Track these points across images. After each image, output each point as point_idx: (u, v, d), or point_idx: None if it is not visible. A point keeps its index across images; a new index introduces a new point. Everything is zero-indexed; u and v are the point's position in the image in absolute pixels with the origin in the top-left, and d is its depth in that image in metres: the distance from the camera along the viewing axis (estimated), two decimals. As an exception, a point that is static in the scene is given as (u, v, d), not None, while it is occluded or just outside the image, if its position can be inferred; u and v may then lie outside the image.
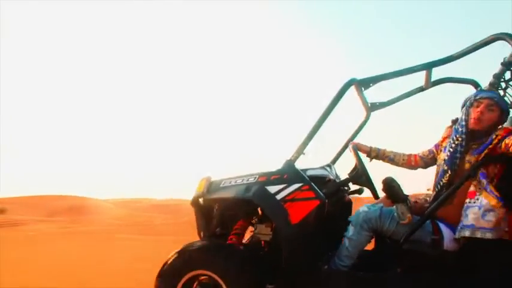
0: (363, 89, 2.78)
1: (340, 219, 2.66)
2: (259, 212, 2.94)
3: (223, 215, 2.92)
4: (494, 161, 2.26)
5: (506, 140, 2.14)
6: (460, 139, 2.38)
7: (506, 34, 2.34)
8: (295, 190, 2.47)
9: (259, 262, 2.62)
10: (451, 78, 3.05)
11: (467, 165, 2.34)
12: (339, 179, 2.97)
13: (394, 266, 2.39)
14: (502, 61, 2.58)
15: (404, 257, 2.37)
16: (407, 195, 2.42)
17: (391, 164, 2.84)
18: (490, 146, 2.24)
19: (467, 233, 2.15)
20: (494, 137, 2.24)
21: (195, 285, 2.60)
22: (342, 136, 3.38)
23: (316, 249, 2.48)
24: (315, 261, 2.45)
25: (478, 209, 2.15)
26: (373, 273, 2.41)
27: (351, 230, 2.45)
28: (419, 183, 2.79)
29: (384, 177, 2.38)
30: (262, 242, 2.85)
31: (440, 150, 2.58)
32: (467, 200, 2.21)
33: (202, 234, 2.94)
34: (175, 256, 2.58)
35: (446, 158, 2.42)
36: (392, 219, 2.37)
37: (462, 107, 2.48)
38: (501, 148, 2.18)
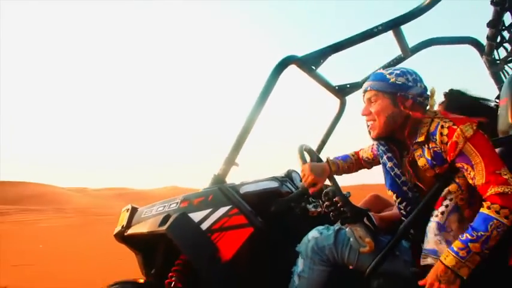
0: (313, 67, 2.07)
1: (291, 251, 1.96)
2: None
3: (163, 249, 2.31)
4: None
5: (467, 174, 1.42)
6: (382, 154, 1.72)
7: None
8: (223, 216, 1.85)
9: None
10: (439, 38, 2.31)
11: (429, 174, 1.57)
12: (297, 191, 2.26)
13: None
14: (492, 0, 1.81)
15: None
16: (366, 210, 1.68)
17: (347, 173, 2.02)
18: (439, 168, 1.51)
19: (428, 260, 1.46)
20: (443, 148, 1.48)
21: None
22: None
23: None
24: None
25: (438, 229, 1.47)
26: None
27: (300, 263, 1.74)
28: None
29: (326, 190, 1.67)
30: None
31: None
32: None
33: (144, 271, 2.34)
34: None
35: (387, 183, 1.69)
36: (352, 247, 1.65)
37: None
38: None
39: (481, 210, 1.35)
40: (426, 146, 1.54)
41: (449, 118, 1.51)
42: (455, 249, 1.36)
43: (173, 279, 2.19)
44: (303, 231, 1.85)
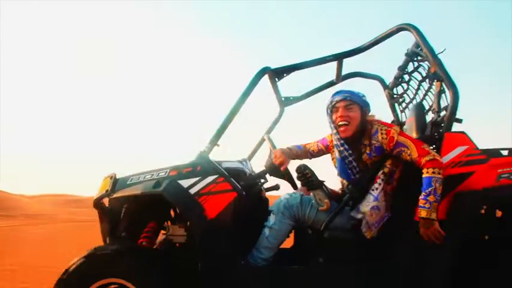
0: (276, 79, 2.73)
1: (257, 214, 2.54)
2: (172, 212, 2.73)
3: (132, 216, 2.65)
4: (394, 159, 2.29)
5: (405, 154, 2.19)
6: (342, 149, 2.36)
7: (410, 24, 2.43)
8: (211, 183, 2.31)
9: (174, 266, 2.39)
10: (360, 72, 3.15)
11: (368, 163, 2.33)
12: (255, 173, 2.87)
13: (316, 257, 2.31)
14: (406, 52, 2.69)
15: (326, 246, 2.30)
16: (323, 181, 2.37)
17: (302, 159, 2.71)
18: (387, 152, 2.26)
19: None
20: (384, 144, 2.25)
21: None
22: (257, 132, 3.32)
23: (234, 244, 2.33)
24: (233, 257, 2.30)
25: (373, 198, 2.23)
26: (294, 266, 2.32)
27: (272, 219, 2.35)
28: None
29: (299, 165, 2.32)
30: (177, 245, 2.64)
31: (333, 158, 2.55)
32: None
33: (107, 239, 2.63)
34: (79, 263, 2.24)
35: (340, 170, 2.41)
36: (312, 206, 2.32)
37: (327, 117, 2.45)
38: (401, 157, 2.23)
39: (423, 175, 2.09)
40: (368, 144, 2.29)
41: (383, 124, 2.30)
42: (421, 205, 2.07)
43: (145, 239, 2.58)
44: (257, 202, 2.46)
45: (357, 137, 2.32)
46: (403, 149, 2.19)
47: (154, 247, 2.66)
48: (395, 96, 3.15)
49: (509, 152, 2.20)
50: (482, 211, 2.33)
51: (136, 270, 2.23)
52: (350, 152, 2.34)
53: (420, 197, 2.08)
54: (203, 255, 2.27)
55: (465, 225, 2.13)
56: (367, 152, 2.30)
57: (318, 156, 2.69)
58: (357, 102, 2.32)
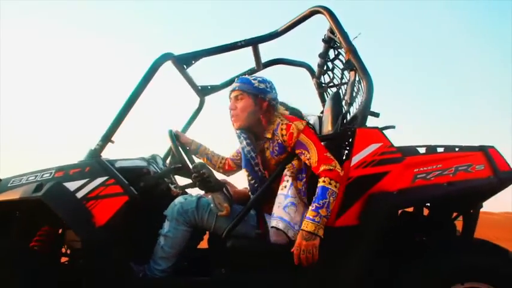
0: (184, 66, 2.44)
1: (157, 220, 2.27)
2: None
3: (23, 220, 2.36)
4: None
5: (304, 158, 1.96)
6: (240, 141, 2.16)
7: (323, 7, 2.19)
8: (99, 185, 2.04)
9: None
10: (283, 59, 2.91)
11: (273, 162, 2.11)
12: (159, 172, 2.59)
13: (218, 267, 2.07)
14: (323, 37, 2.46)
15: (228, 256, 2.05)
16: (224, 183, 2.12)
17: (209, 163, 2.44)
18: (284, 154, 2.05)
19: (279, 225, 1.92)
20: (282, 141, 2.03)
21: None
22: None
23: (126, 255, 2.07)
24: (128, 270, 2.04)
25: (284, 198, 1.96)
26: (193, 276, 2.09)
27: (166, 225, 2.08)
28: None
29: (195, 163, 2.06)
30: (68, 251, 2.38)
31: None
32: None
33: None
34: None
35: (245, 166, 2.17)
36: (211, 211, 2.06)
37: None
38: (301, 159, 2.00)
39: (319, 184, 1.85)
40: (271, 140, 2.06)
41: (286, 118, 2.06)
42: (311, 217, 1.82)
43: (38, 243, 2.29)
44: (167, 204, 2.19)
45: (257, 129, 2.11)
46: (303, 151, 1.95)
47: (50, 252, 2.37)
48: (323, 85, 2.92)
49: (427, 150, 2.02)
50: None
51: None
52: (251, 146, 2.10)
53: (311, 208, 1.84)
54: (89, 267, 2.01)
55: (379, 230, 1.93)
56: (270, 149, 2.07)
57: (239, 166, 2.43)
58: (245, 90, 2.08)
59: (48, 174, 2.10)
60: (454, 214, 2.30)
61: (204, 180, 1.99)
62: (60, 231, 2.43)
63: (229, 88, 2.17)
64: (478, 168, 1.98)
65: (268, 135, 2.07)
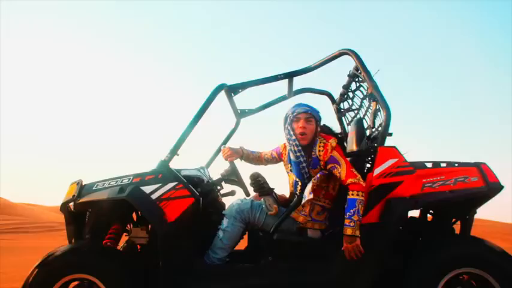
0: (232, 94, 2.98)
1: (214, 217, 2.77)
2: (134, 216, 2.93)
3: (96, 220, 2.83)
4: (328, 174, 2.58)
5: (336, 171, 2.49)
6: (299, 155, 2.61)
7: (350, 50, 2.75)
8: (170, 189, 2.54)
9: (137, 266, 2.61)
10: (310, 88, 3.45)
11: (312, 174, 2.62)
12: (212, 181, 3.11)
13: (266, 256, 2.57)
14: (348, 73, 3.01)
15: (275, 246, 2.56)
16: (273, 189, 2.64)
17: (252, 163, 3.00)
18: (321, 165, 2.57)
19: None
20: (319, 157, 2.56)
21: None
22: (215, 141, 3.55)
23: (192, 246, 2.56)
24: (191, 257, 2.53)
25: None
26: (246, 264, 2.58)
27: (225, 222, 2.60)
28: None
29: (252, 173, 2.59)
30: (138, 246, 2.84)
31: (287, 162, 2.76)
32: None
33: (73, 240, 2.80)
34: (49, 258, 2.44)
35: (296, 173, 2.66)
36: (261, 211, 2.58)
37: (284, 125, 2.70)
38: (332, 172, 2.52)
39: (348, 196, 2.39)
40: (313, 155, 2.59)
41: (322, 136, 2.62)
42: (347, 223, 2.36)
43: (109, 240, 2.77)
44: (218, 207, 2.71)
45: (309, 147, 2.62)
46: (335, 165, 2.49)
47: (118, 248, 2.85)
48: (342, 110, 3.46)
49: (433, 165, 2.56)
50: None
51: (104, 266, 2.46)
52: (304, 158, 2.60)
53: (346, 216, 2.37)
54: (164, 255, 2.48)
55: (395, 226, 2.45)
56: (311, 163, 2.61)
57: (272, 163, 2.97)
58: (314, 116, 2.63)
59: (127, 180, 2.59)
60: (453, 220, 2.83)
61: (259, 185, 2.53)
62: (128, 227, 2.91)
63: (298, 109, 2.64)
64: (473, 180, 2.52)
65: (312, 153, 2.60)
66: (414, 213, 2.99)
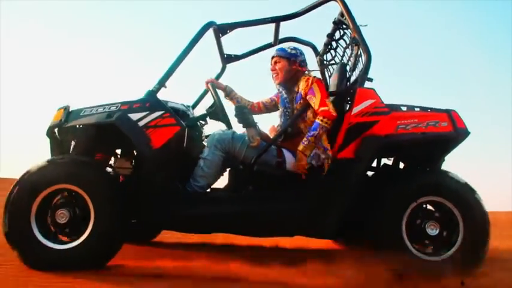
0: (220, 35, 3.06)
1: (197, 154, 2.85)
2: (119, 147, 3.00)
3: (81, 147, 2.89)
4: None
5: (311, 101, 2.67)
6: (280, 90, 2.91)
7: None
8: (157, 117, 2.62)
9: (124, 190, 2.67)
10: (295, 38, 3.53)
11: (297, 109, 2.80)
12: (196, 116, 3.20)
13: (246, 186, 2.71)
14: (334, 20, 3.12)
15: (254, 178, 2.70)
16: (257, 122, 2.76)
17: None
18: (302, 101, 2.75)
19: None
20: (301, 91, 2.74)
21: (55, 200, 2.55)
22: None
23: (175, 172, 2.66)
24: (174, 183, 2.64)
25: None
26: (227, 192, 2.71)
27: (206, 151, 2.71)
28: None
29: (236, 105, 2.71)
30: (121, 177, 2.92)
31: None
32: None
33: None
34: (38, 167, 2.51)
35: (281, 105, 2.90)
36: (243, 142, 2.69)
37: None
38: (309, 102, 2.71)
39: (315, 120, 2.59)
40: (296, 91, 2.76)
41: (309, 75, 2.77)
42: (303, 142, 2.58)
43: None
44: (200, 140, 2.82)
45: (290, 84, 2.83)
46: (312, 96, 2.67)
47: None
48: (325, 62, 3.57)
49: (407, 109, 2.71)
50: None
51: (92, 178, 2.53)
52: (286, 95, 2.84)
53: (305, 135, 2.60)
54: (147, 180, 2.58)
55: (369, 162, 2.64)
56: (294, 100, 2.78)
57: (272, 109, 3.15)
58: (282, 56, 2.84)
59: (115, 107, 2.65)
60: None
61: (244, 116, 2.63)
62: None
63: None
64: (443, 125, 2.69)
65: (296, 89, 2.79)
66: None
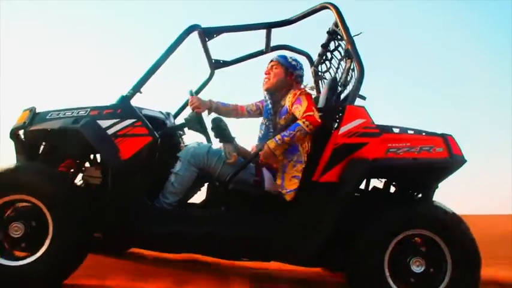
0: (206, 39, 2.85)
1: (172, 163, 2.66)
2: (90, 154, 2.81)
3: (47, 152, 2.70)
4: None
5: (296, 110, 2.44)
6: (266, 98, 2.69)
7: (331, 3, 2.63)
8: (128, 126, 2.42)
9: (89, 203, 2.47)
10: (288, 46, 3.33)
11: (280, 124, 2.59)
12: (175, 125, 3.00)
13: (219, 205, 2.50)
14: (328, 30, 2.90)
15: (229, 196, 2.48)
16: (235, 137, 2.55)
17: (223, 115, 2.85)
18: (286, 115, 2.55)
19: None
20: (288, 104, 2.53)
21: (8, 212, 2.35)
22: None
23: (143, 186, 2.46)
24: (142, 198, 2.43)
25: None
26: (196, 210, 2.50)
27: (178, 165, 2.50)
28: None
29: (214, 117, 2.49)
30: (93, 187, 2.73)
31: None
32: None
33: None
34: None
35: (264, 117, 2.69)
36: (219, 158, 2.48)
37: None
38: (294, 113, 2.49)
39: (296, 121, 2.37)
40: (282, 106, 2.57)
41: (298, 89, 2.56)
42: (276, 139, 2.36)
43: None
44: (176, 152, 2.61)
45: (278, 94, 2.64)
46: (298, 105, 2.44)
47: None
48: (319, 73, 3.36)
49: (400, 130, 2.49)
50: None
51: (52, 190, 2.32)
52: (271, 106, 2.64)
53: (281, 133, 2.37)
54: (112, 193, 2.38)
55: (353, 188, 2.41)
56: (279, 112, 2.58)
57: (255, 116, 2.90)
58: (281, 63, 2.64)
59: (83, 112, 2.46)
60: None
61: (221, 130, 2.42)
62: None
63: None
64: (438, 150, 2.46)
65: (282, 103, 2.59)
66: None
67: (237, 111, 2.88)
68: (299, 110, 2.41)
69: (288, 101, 2.53)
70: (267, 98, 2.68)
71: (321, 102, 2.80)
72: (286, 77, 2.63)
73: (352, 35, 2.54)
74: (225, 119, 2.67)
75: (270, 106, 2.65)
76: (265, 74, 2.69)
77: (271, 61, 2.69)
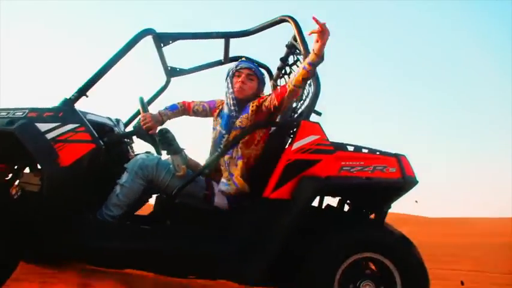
0: (162, 44, 2.73)
1: (117, 173, 2.51)
2: (27, 158, 2.61)
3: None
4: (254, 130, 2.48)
5: (268, 99, 2.42)
6: (233, 108, 2.54)
7: (290, 16, 2.59)
8: (69, 131, 2.25)
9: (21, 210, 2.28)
10: (248, 57, 3.23)
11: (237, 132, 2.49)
12: (123, 132, 2.85)
13: (165, 219, 2.37)
14: (287, 43, 2.86)
15: (175, 210, 2.36)
16: (183, 149, 2.43)
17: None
18: (248, 115, 2.47)
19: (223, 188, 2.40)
20: (250, 106, 2.48)
21: None
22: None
23: (84, 197, 2.30)
24: (81, 210, 2.27)
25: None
26: (140, 225, 2.35)
27: (125, 176, 2.35)
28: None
29: (161, 128, 2.37)
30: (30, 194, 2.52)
31: (218, 116, 2.66)
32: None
33: None
34: None
35: (223, 125, 2.55)
36: (168, 170, 2.35)
37: (226, 79, 2.64)
38: (263, 111, 2.46)
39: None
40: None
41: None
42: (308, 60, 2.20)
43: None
44: (123, 161, 2.46)
45: (245, 104, 2.53)
46: (266, 97, 2.43)
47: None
48: (278, 87, 3.30)
49: (354, 149, 2.45)
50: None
51: None
52: (236, 111, 2.53)
53: (307, 61, 2.22)
54: (48, 203, 2.21)
55: (305, 206, 2.32)
56: (237, 122, 2.50)
57: (200, 116, 2.76)
58: (257, 75, 2.57)
59: (21, 113, 2.27)
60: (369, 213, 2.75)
61: (168, 142, 2.29)
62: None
63: (243, 64, 2.60)
64: (391, 170, 2.43)
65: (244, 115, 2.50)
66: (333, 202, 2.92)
67: (184, 111, 2.74)
68: (271, 96, 2.42)
69: (250, 107, 2.48)
70: (231, 103, 2.55)
71: (277, 117, 2.74)
72: (259, 91, 2.61)
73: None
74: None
75: (234, 112, 2.53)
76: (242, 82, 2.54)
77: (249, 69, 2.57)
